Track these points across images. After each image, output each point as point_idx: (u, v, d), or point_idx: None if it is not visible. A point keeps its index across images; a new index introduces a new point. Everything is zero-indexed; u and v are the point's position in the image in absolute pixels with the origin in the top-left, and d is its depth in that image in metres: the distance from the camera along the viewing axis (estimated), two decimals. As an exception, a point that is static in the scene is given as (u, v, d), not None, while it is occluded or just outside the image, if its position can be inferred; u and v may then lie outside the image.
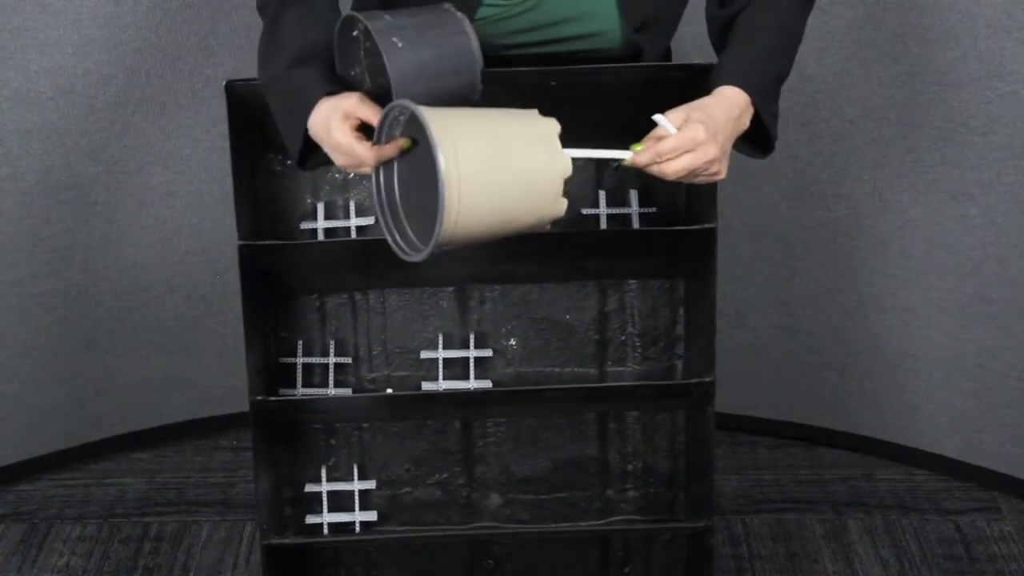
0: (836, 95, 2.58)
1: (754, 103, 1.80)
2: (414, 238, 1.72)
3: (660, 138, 1.75)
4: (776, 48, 1.88)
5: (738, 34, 1.89)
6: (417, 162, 1.69)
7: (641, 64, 1.97)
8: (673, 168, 1.75)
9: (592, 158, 1.78)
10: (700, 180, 1.79)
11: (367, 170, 1.76)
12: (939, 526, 2.80)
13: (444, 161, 1.53)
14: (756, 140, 1.87)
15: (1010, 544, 2.75)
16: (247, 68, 2.31)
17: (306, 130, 1.78)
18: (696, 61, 1.99)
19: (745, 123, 1.81)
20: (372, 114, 1.71)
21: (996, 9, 2.39)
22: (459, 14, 1.74)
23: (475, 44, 1.73)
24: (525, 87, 1.93)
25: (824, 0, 2.48)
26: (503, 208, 1.63)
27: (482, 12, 1.93)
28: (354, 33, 1.77)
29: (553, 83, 1.96)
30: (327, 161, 1.80)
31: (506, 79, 1.94)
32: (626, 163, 1.78)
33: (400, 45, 1.67)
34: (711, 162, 1.74)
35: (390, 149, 1.72)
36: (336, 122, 1.72)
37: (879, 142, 2.61)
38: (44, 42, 2.50)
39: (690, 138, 1.73)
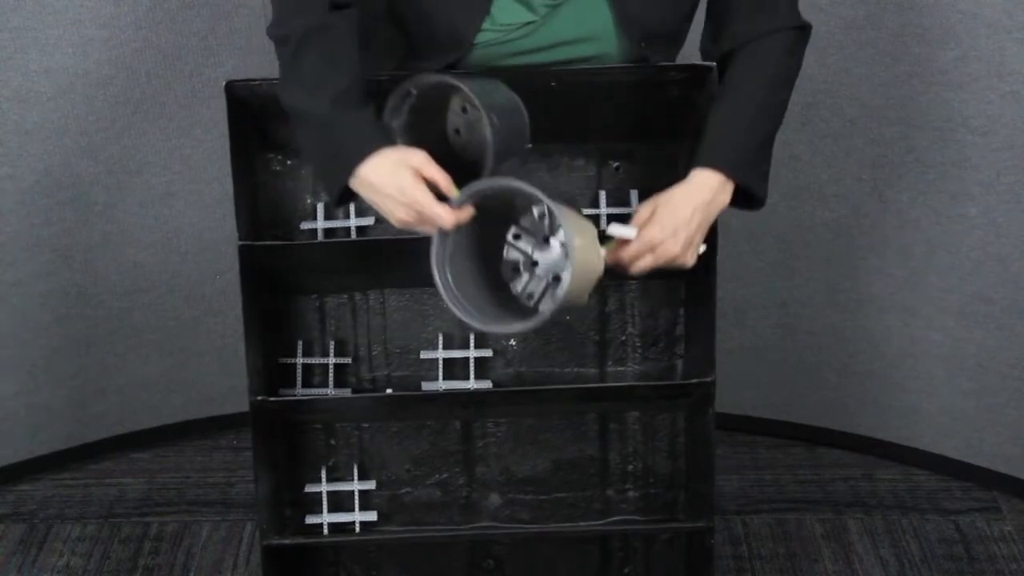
0: (836, 95, 2.58)
1: (733, 178, 1.87)
2: (465, 303, 1.83)
3: (625, 241, 1.86)
4: (758, 114, 1.90)
5: (719, 106, 1.92)
6: (473, 231, 1.82)
7: (641, 64, 1.97)
8: (636, 269, 1.87)
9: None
10: (670, 267, 1.88)
11: (427, 229, 1.80)
12: (939, 526, 2.81)
13: (576, 250, 1.73)
14: (748, 197, 1.93)
15: (1010, 544, 2.75)
16: (247, 68, 2.32)
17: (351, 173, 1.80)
18: (696, 62, 2.00)
19: (723, 200, 1.88)
20: (439, 174, 1.76)
21: (996, 9, 2.39)
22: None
23: (526, 117, 1.89)
24: (525, 87, 1.93)
25: (824, 0, 2.48)
26: (581, 293, 1.80)
27: (480, 37, 1.93)
28: (412, 91, 1.83)
29: (553, 83, 1.96)
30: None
31: (506, 79, 1.94)
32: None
33: (497, 123, 1.79)
34: (673, 258, 1.85)
35: (466, 215, 1.78)
36: (411, 179, 1.75)
37: (879, 142, 2.61)
38: (44, 42, 2.50)
39: (647, 241, 1.84)
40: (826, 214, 2.72)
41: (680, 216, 1.84)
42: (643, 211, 1.86)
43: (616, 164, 2.19)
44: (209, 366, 2.97)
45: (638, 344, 2.24)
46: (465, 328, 2.25)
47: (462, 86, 1.81)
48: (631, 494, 2.32)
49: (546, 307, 1.82)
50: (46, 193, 2.65)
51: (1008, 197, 2.56)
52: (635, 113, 2.10)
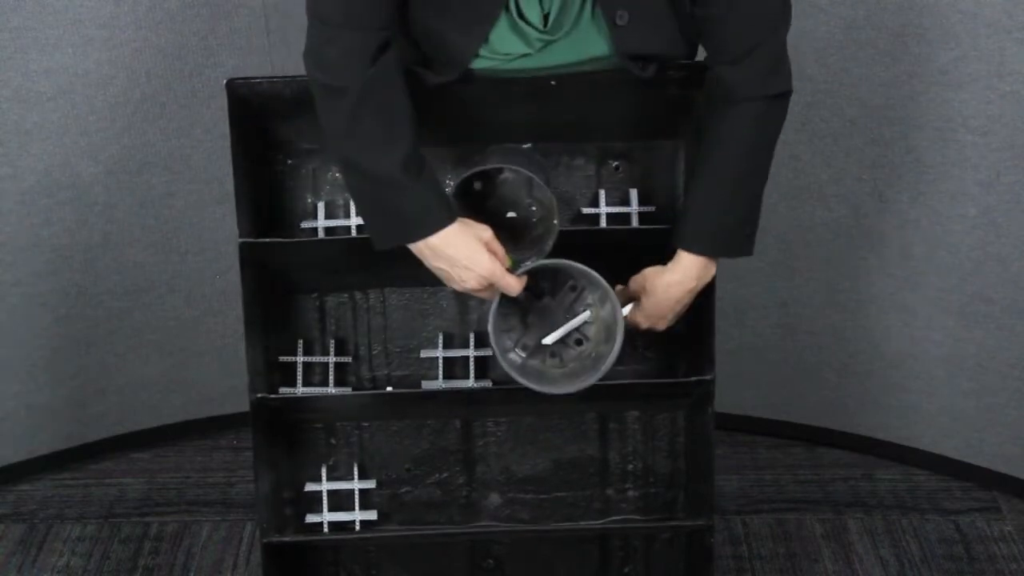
0: (836, 95, 2.58)
1: (717, 257, 1.99)
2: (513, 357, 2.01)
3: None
4: (735, 190, 1.94)
5: (696, 183, 1.95)
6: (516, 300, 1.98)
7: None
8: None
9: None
10: None
11: (485, 294, 1.93)
12: (939, 526, 2.80)
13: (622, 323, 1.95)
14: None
15: (1010, 544, 2.75)
16: (247, 68, 2.32)
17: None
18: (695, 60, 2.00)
19: (709, 276, 2.00)
20: (499, 248, 1.91)
21: (996, 9, 2.39)
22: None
23: None
24: (525, 86, 1.93)
25: (824, 0, 2.48)
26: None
27: (477, 63, 1.93)
28: (476, 186, 1.98)
29: (553, 82, 1.96)
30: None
31: (505, 78, 1.94)
32: None
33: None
34: (661, 330, 2.06)
35: (521, 283, 1.92)
36: (485, 253, 1.88)
37: (879, 142, 2.61)
38: (44, 42, 2.50)
39: (632, 323, 2.04)
40: (826, 214, 2.72)
41: (666, 307, 2.01)
42: (633, 284, 2.03)
43: (616, 163, 2.19)
44: (209, 366, 2.97)
45: (638, 343, 2.24)
46: (465, 327, 2.25)
47: (550, 200, 1.95)
48: (631, 493, 2.32)
49: (591, 376, 1.98)
50: (46, 193, 2.65)
51: (1008, 197, 2.56)
52: (634, 112, 2.10)
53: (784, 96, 1.93)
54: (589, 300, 2.01)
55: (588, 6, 1.87)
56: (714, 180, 1.93)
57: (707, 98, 1.94)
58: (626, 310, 2.01)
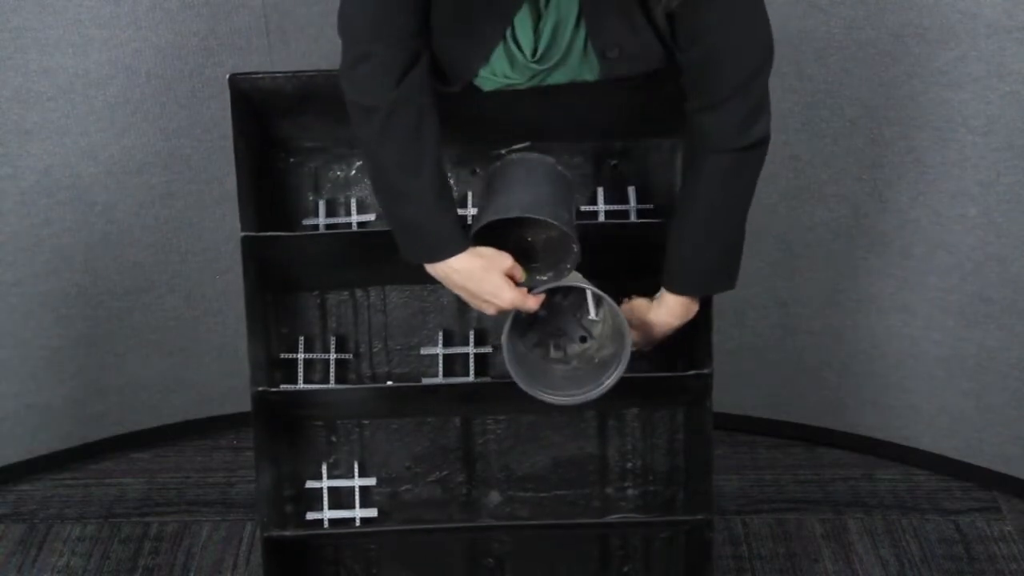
0: (836, 95, 2.58)
1: (701, 295, 2.06)
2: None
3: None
4: (712, 237, 1.99)
5: (677, 225, 1.98)
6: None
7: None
8: None
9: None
10: None
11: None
12: (939, 526, 2.80)
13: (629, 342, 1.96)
14: None
15: (1010, 544, 2.75)
16: (247, 68, 2.32)
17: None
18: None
19: (694, 311, 2.06)
20: (519, 272, 1.94)
21: (996, 9, 2.39)
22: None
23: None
24: (520, 89, 1.94)
25: (824, 0, 2.48)
26: None
27: (487, 85, 1.96)
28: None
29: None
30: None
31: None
32: None
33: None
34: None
35: (539, 302, 1.95)
36: (505, 285, 1.92)
37: (879, 142, 2.61)
38: (44, 42, 2.50)
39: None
40: (826, 214, 2.72)
41: (655, 336, 2.08)
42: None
43: (614, 161, 2.20)
44: (209, 366, 2.97)
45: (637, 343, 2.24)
46: (465, 325, 2.25)
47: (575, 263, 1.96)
48: (630, 492, 2.32)
49: (597, 389, 1.99)
50: (46, 193, 2.65)
51: (1008, 197, 2.56)
52: (631, 110, 2.10)
53: (761, 144, 1.92)
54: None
55: (579, 40, 1.88)
56: (691, 226, 1.97)
57: (687, 139, 1.96)
58: None
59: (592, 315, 2.05)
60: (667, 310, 2.04)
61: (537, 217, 1.91)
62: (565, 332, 2.08)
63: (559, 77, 1.93)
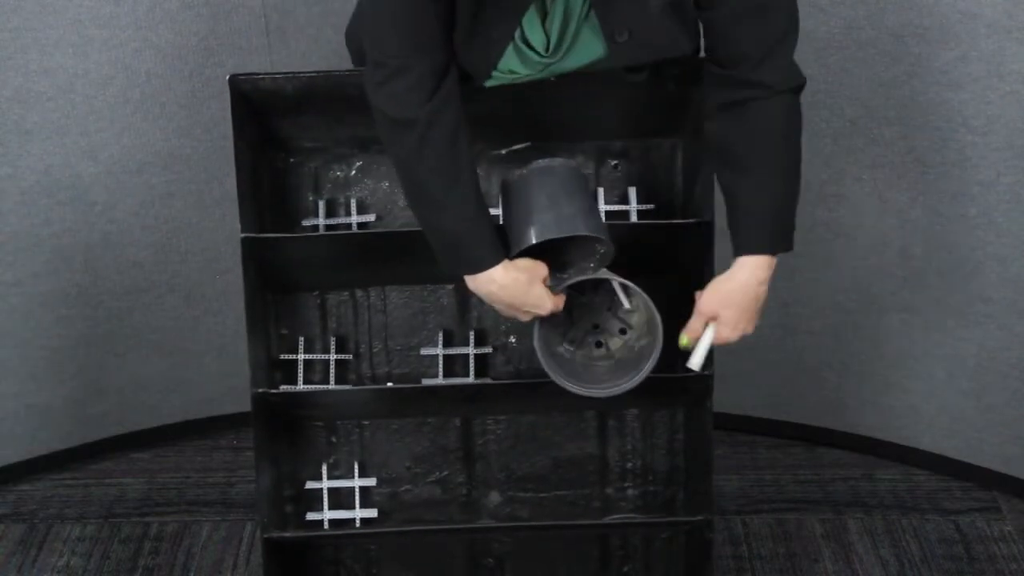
0: (836, 95, 2.58)
1: (778, 252, 1.95)
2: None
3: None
4: (782, 187, 1.93)
5: (743, 185, 1.93)
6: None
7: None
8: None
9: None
10: None
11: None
12: (939, 526, 2.80)
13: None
14: None
15: (1010, 544, 2.75)
16: (247, 68, 2.33)
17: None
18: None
19: (772, 267, 1.96)
20: (547, 274, 1.94)
21: (996, 9, 2.39)
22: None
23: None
24: (524, 85, 1.93)
25: (824, 0, 2.48)
26: None
27: (489, 82, 1.94)
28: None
29: (552, 78, 1.96)
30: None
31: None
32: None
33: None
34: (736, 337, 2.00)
35: (562, 301, 1.96)
36: (544, 291, 1.92)
37: (879, 142, 2.61)
38: (44, 42, 2.50)
39: (720, 338, 1.99)
40: (826, 214, 2.72)
41: (749, 309, 1.97)
42: (706, 307, 1.97)
43: (614, 162, 2.20)
44: (209, 366, 2.97)
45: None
46: (466, 325, 2.25)
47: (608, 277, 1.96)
48: (630, 492, 2.32)
49: (635, 376, 2.00)
50: (46, 193, 2.65)
51: (1008, 197, 2.56)
52: (632, 111, 2.10)
53: (802, 88, 1.93)
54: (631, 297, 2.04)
55: (587, 28, 1.88)
56: (765, 176, 1.92)
57: (726, 104, 1.91)
58: (708, 333, 1.98)
59: (626, 305, 2.05)
60: (750, 276, 1.94)
61: (596, 235, 1.91)
62: (605, 328, 2.08)
63: (568, 65, 1.93)
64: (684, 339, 1.97)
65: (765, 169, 1.91)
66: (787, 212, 1.95)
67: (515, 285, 1.91)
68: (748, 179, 1.92)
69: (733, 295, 1.95)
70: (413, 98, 1.82)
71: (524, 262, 1.92)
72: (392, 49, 1.82)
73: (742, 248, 1.94)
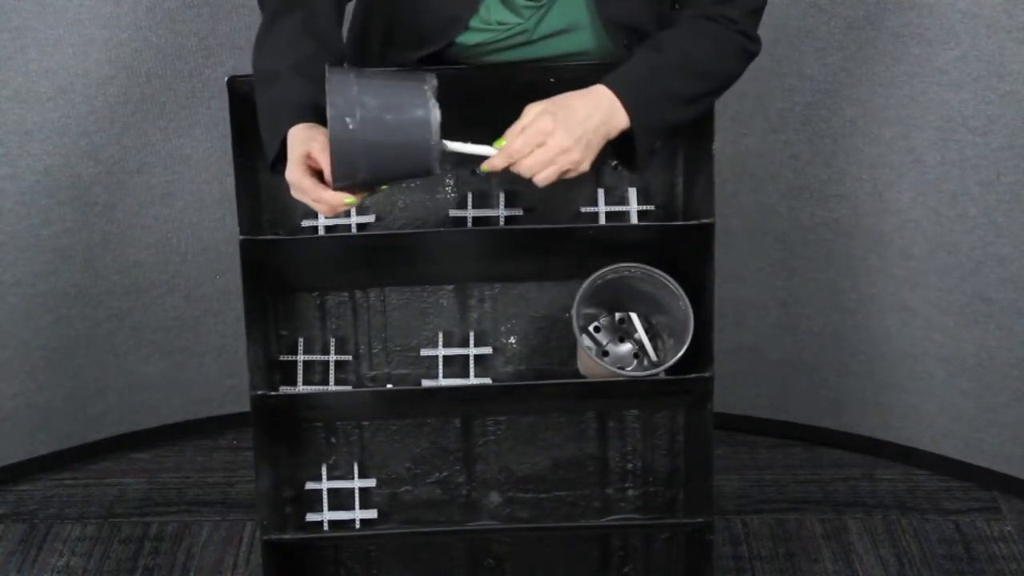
0: (836, 95, 2.58)
1: (627, 105, 1.79)
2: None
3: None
4: (676, 64, 1.85)
5: (643, 48, 1.88)
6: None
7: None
8: (528, 164, 1.75)
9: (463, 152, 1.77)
10: (568, 176, 1.78)
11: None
12: (939, 526, 2.80)
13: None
14: (630, 152, 1.86)
15: (1010, 544, 2.75)
16: (247, 68, 2.31)
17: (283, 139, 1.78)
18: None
19: (618, 122, 1.80)
20: (325, 164, 1.72)
21: (996, 9, 2.39)
22: (428, 93, 1.70)
23: (433, 138, 1.69)
24: (524, 84, 1.93)
25: (824, 0, 2.48)
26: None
27: (468, 37, 1.94)
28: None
29: (552, 79, 1.96)
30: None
31: (504, 74, 1.94)
32: (484, 169, 1.79)
33: (352, 127, 1.66)
34: (565, 151, 1.74)
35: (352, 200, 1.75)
36: (300, 164, 1.74)
37: (879, 142, 2.61)
38: (44, 42, 2.50)
39: (538, 130, 1.74)
40: (826, 214, 2.72)
41: (577, 114, 1.76)
42: (533, 109, 1.77)
43: (614, 162, 2.19)
44: (209, 366, 2.97)
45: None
46: (465, 326, 2.25)
47: (329, 75, 1.69)
48: (630, 492, 2.32)
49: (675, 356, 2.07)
50: (46, 193, 2.65)
51: (1008, 197, 2.57)
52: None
53: (754, 46, 1.90)
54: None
55: None
56: (654, 53, 1.84)
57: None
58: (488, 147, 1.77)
59: (652, 358, 2.14)
60: (581, 92, 1.79)
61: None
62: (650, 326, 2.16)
63: (554, 22, 1.92)
64: (500, 142, 1.78)
65: (673, 54, 1.84)
66: (663, 97, 1.84)
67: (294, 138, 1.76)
68: (651, 49, 1.86)
69: (570, 93, 1.79)
70: None
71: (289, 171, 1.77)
72: None
73: (607, 79, 1.82)
